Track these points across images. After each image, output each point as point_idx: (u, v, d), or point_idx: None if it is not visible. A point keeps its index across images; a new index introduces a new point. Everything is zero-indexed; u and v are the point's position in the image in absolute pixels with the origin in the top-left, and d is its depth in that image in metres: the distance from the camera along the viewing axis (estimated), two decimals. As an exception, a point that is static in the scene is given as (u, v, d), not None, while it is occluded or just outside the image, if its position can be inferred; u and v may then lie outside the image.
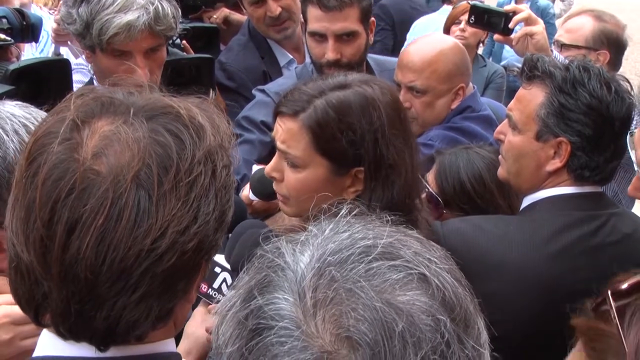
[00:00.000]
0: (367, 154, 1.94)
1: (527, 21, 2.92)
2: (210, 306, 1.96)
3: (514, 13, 2.94)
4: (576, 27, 3.77)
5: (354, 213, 1.03)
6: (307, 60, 3.48)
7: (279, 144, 2.03)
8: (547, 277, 2.14)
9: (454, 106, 3.01)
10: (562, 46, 3.70)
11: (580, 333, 1.36)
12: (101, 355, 1.16)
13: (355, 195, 1.98)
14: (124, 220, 1.06)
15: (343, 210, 1.03)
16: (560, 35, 3.78)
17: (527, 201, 2.33)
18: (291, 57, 3.66)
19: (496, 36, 3.06)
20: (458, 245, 2.15)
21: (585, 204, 2.22)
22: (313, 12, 3.01)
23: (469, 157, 2.60)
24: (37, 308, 1.15)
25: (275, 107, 2.07)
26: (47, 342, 1.20)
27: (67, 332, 1.14)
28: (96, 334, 1.13)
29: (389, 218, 1.04)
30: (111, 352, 1.16)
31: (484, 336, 0.96)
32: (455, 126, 2.98)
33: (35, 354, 1.21)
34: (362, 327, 0.87)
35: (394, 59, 3.60)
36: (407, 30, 5.29)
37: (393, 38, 5.39)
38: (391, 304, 0.89)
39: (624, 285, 1.29)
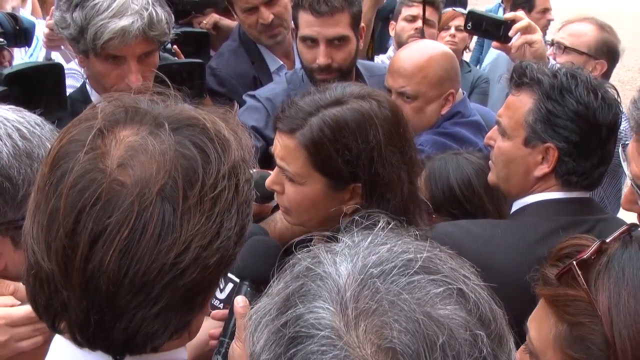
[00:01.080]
0: (363, 173, 1.94)
1: (527, 29, 2.93)
2: (212, 313, 1.96)
3: (513, 21, 2.95)
4: (580, 33, 3.81)
5: (390, 226, 1.04)
6: (297, 65, 3.49)
7: (277, 160, 2.03)
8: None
9: (444, 112, 3.04)
10: (565, 49, 3.74)
11: (550, 301, 1.49)
12: None
13: (355, 209, 1.98)
14: (149, 233, 1.05)
15: (380, 223, 1.04)
16: (563, 38, 3.81)
17: (516, 206, 2.35)
18: (281, 62, 3.67)
19: (494, 43, 3.06)
20: (446, 247, 2.17)
21: (573, 209, 2.25)
22: (305, 17, 3.04)
23: (458, 162, 2.63)
24: (55, 316, 1.15)
25: (274, 122, 2.07)
26: (61, 348, 1.19)
27: (85, 341, 1.13)
28: (114, 345, 1.12)
29: (416, 232, 1.05)
30: None
31: (514, 353, 0.98)
32: (445, 131, 3.00)
33: (48, 358, 1.21)
34: (405, 339, 0.88)
35: (382, 65, 3.63)
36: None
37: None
38: (432, 317, 0.90)
39: (586, 255, 1.44)
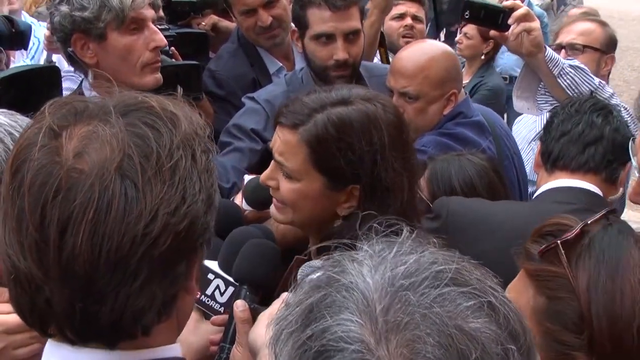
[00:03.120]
0: (365, 175, 1.91)
1: (525, 17, 2.90)
2: (212, 318, 1.94)
3: (512, 10, 2.91)
4: (588, 31, 3.82)
5: (413, 235, 1.01)
6: (297, 67, 3.47)
7: (275, 155, 2.00)
8: None
9: (446, 112, 3.00)
10: (584, 48, 3.74)
11: (532, 275, 1.57)
12: None
13: (349, 211, 1.96)
14: (114, 210, 1.07)
15: (405, 232, 1.01)
16: (574, 39, 3.79)
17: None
18: (281, 64, 3.64)
19: (492, 32, 3.02)
20: (459, 209, 2.32)
21: (584, 198, 2.30)
22: (318, 14, 3.01)
23: (460, 163, 2.61)
24: (41, 318, 1.15)
25: (275, 117, 2.04)
26: (53, 350, 1.19)
27: (74, 334, 1.14)
28: (103, 331, 1.13)
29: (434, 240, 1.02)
30: (118, 357, 1.17)
31: None
32: (448, 132, 2.97)
33: None
34: (438, 354, 0.85)
35: (382, 65, 3.60)
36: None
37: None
38: (464, 331, 0.87)
39: (571, 237, 1.52)
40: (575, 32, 3.83)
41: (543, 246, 1.54)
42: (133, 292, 1.10)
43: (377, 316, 0.88)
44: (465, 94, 3.14)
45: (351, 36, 3.03)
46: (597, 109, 2.44)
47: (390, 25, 4.60)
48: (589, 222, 1.55)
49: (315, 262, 1.55)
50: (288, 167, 1.97)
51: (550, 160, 2.41)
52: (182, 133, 1.17)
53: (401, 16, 4.61)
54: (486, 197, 2.53)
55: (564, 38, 3.84)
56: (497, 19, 2.94)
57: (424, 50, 3.05)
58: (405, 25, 4.50)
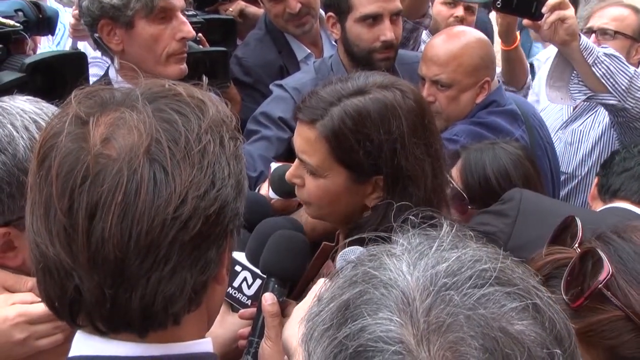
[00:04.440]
0: (385, 165, 1.87)
1: (560, 5, 2.83)
2: (240, 312, 1.91)
3: None
4: (621, 16, 3.73)
5: (454, 230, 0.97)
6: (326, 54, 3.42)
7: (298, 153, 1.97)
8: None
9: (479, 100, 2.96)
10: (615, 34, 3.67)
11: (582, 335, 1.32)
12: (138, 354, 1.15)
13: (377, 201, 1.92)
14: (143, 193, 1.07)
15: (445, 227, 0.97)
16: (606, 24, 3.71)
17: None
18: (309, 51, 3.61)
19: (525, 21, 2.96)
20: (533, 197, 2.36)
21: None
22: None
23: (494, 153, 2.56)
24: (71, 306, 1.14)
25: (294, 113, 2.01)
26: (83, 341, 1.18)
27: (103, 323, 1.13)
28: (134, 318, 1.12)
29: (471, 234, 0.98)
30: (148, 350, 1.16)
31: None
32: (481, 121, 2.92)
33: (71, 354, 1.20)
34: (483, 357, 0.82)
35: (413, 53, 3.54)
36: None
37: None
38: (509, 334, 0.84)
39: (605, 274, 1.33)
40: (607, 16, 3.75)
41: (574, 298, 1.37)
42: (164, 277, 1.10)
43: (418, 316, 0.85)
44: (499, 82, 3.07)
45: (394, 17, 3.01)
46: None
47: (440, 11, 4.41)
48: (586, 245, 1.42)
49: (356, 249, 1.51)
50: (311, 164, 1.93)
51: (610, 192, 2.43)
52: (209, 118, 1.17)
53: (454, 3, 4.45)
54: (521, 187, 2.47)
55: (595, 22, 3.76)
56: (530, 7, 2.88)
57: (458, 38, 2.99)
58: (456, 16, 4.36)
